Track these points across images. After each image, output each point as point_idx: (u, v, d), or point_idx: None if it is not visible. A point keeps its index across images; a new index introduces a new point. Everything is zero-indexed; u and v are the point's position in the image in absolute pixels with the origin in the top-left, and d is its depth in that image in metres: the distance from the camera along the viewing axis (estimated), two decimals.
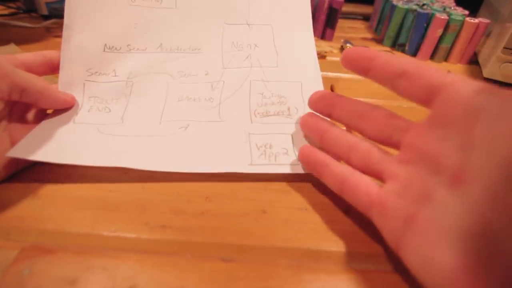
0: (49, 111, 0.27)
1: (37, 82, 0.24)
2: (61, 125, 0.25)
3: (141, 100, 0.28)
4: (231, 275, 0.18)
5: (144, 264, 0.18)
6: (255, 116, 0.28)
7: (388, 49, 0.51)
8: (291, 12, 0.35)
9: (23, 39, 0.44)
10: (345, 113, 0.23)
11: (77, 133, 0.25)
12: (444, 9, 0.48)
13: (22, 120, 0.25)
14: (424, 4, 0.49)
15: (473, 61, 0.48)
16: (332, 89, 0.37)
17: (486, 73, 0.43)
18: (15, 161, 0.23)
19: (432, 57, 0.48)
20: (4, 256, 0.18)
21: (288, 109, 0.29)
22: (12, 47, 0.41)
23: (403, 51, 0.50)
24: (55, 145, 0.23)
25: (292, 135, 0.27)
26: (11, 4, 0.55)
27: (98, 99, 0.28)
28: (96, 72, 0.29)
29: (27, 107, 0.25)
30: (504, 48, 0.40)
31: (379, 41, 0.54)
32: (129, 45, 0.30)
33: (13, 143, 0.23)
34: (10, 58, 0.24)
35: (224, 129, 0.27)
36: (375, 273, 0.19)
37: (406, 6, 0.48)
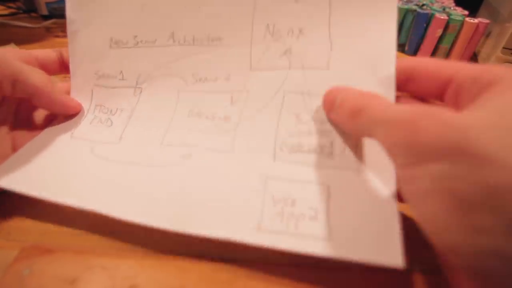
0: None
1: (34, 74, 0.22)
2: (58, 139, 0.23)
3: (146, 114, 0.25)
4: (231, 275, 0.18)
5: (144, 264, 0.18)
6: (281, 150, 0.20)
7: None
8: None
9: (23, 39, 0.44)
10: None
11: (69, 153, 0.23)
12: (444, 9, 0.48)
13: (28, 124, 0.24)
14: (423, 4, 0.49)
15: (473, 61, 0.48)
16: None
17: None
18: None
19: (431, 57, 0.48)
20: (4, 256, 0.18)
21: (332, 144, 0.20)
22: (12, 47, 0.41)
23: (402, 51, 0.50)
24: (37, 171, 0.21)
25: (328, 188, 0.18)
26: (11, 4, 0.55)
27: (104, 108, 0.25)
28: (104, 74, 0.26)
29: (33, 110, 0.25)
30: (504, 48, 0.40)
31: None
32: (136, 36, 0.26)
33: (14, 147, 0.22)
34: (25, 54, 0.24)
35: (235, 166, 0.20)
36: (376, 273, 0.19)
37: (405, 6, 0.48)
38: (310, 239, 0.16)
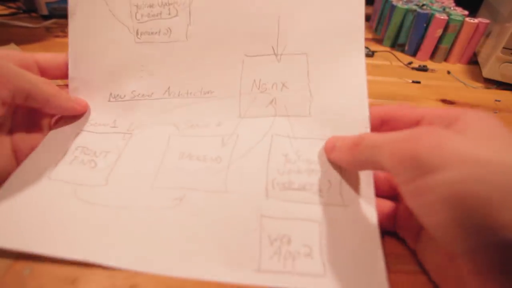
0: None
1: (44, 87, 0.22)
2: (33, 181, 0.21)
3: (134, 156, 0.24)
4: None
5: None
6: (273, 188, 0.21)
7: (388, 49, 0.51)
8: (336, 32, 0.26)
9: (23, 39, 0.44)
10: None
11: (49, 198, 0.21)
12: (444, 9, 0.48)
13: (27, 125, 0.24)
14: (423, 4, 0.49)
15: (473, 61, 0.48)
16: None
17: (485, 73, 0.43)
18: (15, 168, 0.22)
19: (431, 57, 0.48)
20: (5, 256, 0.18)
21: (319, 181, 0.21)
22: (12, 47, 0.41)
23: (402, 51, 0.50)
24: (18, 221, 0.19)
25: (319, 224, 0.19)
26: (11, 4, 0.55)
27: (86, 149, 0.24)
28: (96, 123, 0.26)
29: (33, 110, 0.24)
30: (504, 48, 0.40)
31: (379, 41, 0.54)
32: (134, 91, 0.27)
33: (14, 148, 0.22)
34: (25, 56, 0.24)
35: (229, 206, 0.20)
36: None
37: (405, 6, 0.48)
38: (307, 277, 0.17)
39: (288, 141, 0.24)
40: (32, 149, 0.23)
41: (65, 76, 0.26)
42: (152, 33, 0.27)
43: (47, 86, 0.22)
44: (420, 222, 0.15)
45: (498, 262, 0.13)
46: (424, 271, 0.18)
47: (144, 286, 0.17)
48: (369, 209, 0.20)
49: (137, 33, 0.27)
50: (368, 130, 0.22)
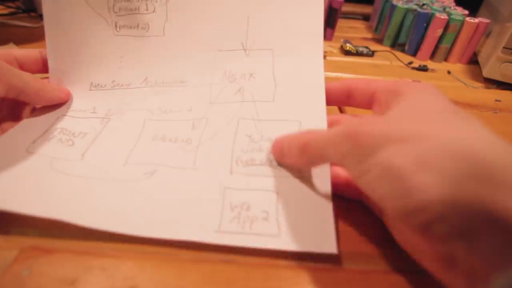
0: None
1: (35, 83, 0.24)
2: (11, 153, 0.22)
3: (111, 137, 0.25)
4: (231, 276, 0.18)
5: (144, 265, 0.18)
6: (237, 164, 0.23)
7: (388, 48, 0.51)
8: (298, 31, 0.29)
9: (22, 38, 0.44)
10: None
11: (24, 166, 0.22)
12: (444, 9, 0.48)
13: (13, 116, 0.25)
14: (424, 4, 0.49)
15: (473, 61, 0.48)
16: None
17: (486, 73, 0.43)
18: None
19: (432, 57, 0.48)
20: (4, 256, 0.18)
21: None
22: (11, 47, 0.41)
23: (402, 51, 0.50)
24: None
25: (277, 194, 0.21)
26: (10, 4, 0.55)
27: (66, 131, 0.25)
28: (76, 109, 0.27)
29: (17, 103, 0.26)
30: (504, 48, 0.40)
31: (379, 41, 0.54)
32: (113, 81, 0.29)
33: None
34: (4, 53, 0.25)
35: (196, 180, 0.22)
36: (375, 273, 0.19)
37: (406, 6, 0.48)
38: (263, 236, 0.19)
39: (253, 123, 0.26)
40: None
41: (41, 70, 0.27)
42: (130, 27, 0.29)
43: (36, 82, 0.24)
44: (372, 202, 0.18)
45: (419, 224, 0.15)
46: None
47: (143, 287, 0.17)
48: (323, 177, 0.21)
49: (115, 26, 0.29)
50: (324, 113, 0.25)
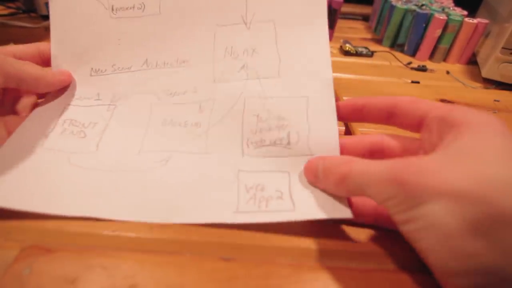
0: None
1: (32, 68, 0.24)
2: (29, 150, 0.23)
3: (121, 125, 0.26)
4: (231, 274, 0.18)
5: (144, 263, 0.18)
6: (248, 146, 0.24)
7: (387, 49, 0.51)
8: (300, 2, 0.28)
9: (23, 39, 0.43)
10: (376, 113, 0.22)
11: (44, 164, 0.22)
12: (443, 9, 0.48)
13: (15, 107, 0.25)
14: (423, 5, 0.49)
15: (472, 61, 0.48)
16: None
17: (484, 73, 0.43)
18: None
19: (431, 57, 0.48)
20: (5, 256, 0.18)
21: (288, 136, 0.23)
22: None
23: (402, 51, 0.50)
24: (17, 184, 0.21)
25: (289, 173, 0.22)
26: (11, 4, 0.55)
27: (75, 122, 0.25)
28: (80, 97, 0.27)
29: (18, 95, 0.26)
30: (503, 48, 0.40)
31: (378, 41, 0.54)
32: (114, 65, 0.28)
33: (8, 130, 0.23)
34: (3, 49, 0.25)
35: (210, 165, 0.23)
36: (376, 272, 0.19)
37: (405, 7, 0.48)
38: (279, 212, 0.20)
39: (259, 101, 0.25)
40: None
41: (40, 64, 0.27)
42: (126, 8, 0.29)
43: (34, 68, 0.24)
44: (412, 246, 0.17)
45: (460, 285, 0.15)
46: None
47: (143, 286, 0.17)
48: (333, 152, 0.22)
49: (112, 9, 0.28)
50: (331, 89, 0.24)
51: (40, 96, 0.28)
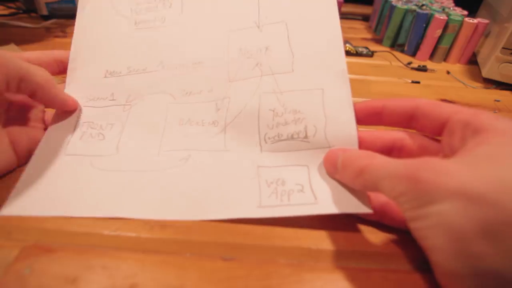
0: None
1: (38, 72, 0.23)
2: (53, 159, 0.24)
3: (138, 126, 0.26)
4: (231, 274, 0.18)
5: (144, 263, 0.18)
6: (265, 142, 0.24)
7: (387, 49, 0.51)
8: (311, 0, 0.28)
9: (23, 39, 0.44)
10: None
11: (68, 171, 0.23)
12: (443, 9, 0.48)
13: (21, 118, 0.25)
14: (423, 5, 0.49)
15: (472, 61, 0.48)
16: None
17: (485, 73, 0.43)
18: (15, 159, 0.23)
19: (431, 57, 0.48)
20: (5, 255, 0.18)
21: (305, 129, 0.24)
22: (12, 47, 0.41)
23: (402, 51, 0.50)
24: (46, 192, 0.22)
25: (308, 167, 0.22)
26: (11, 4, 0.55)
27: (93, 124, 0.26)
28: (94, 97, 0.27)
29: (25, 105, 0.25)
30: (503, 48, 0.40)
31: (379, 41, 0.54)
32: (129, 67, 0.29)
33: (11, 140, 0.23)
34: (15, 55, 0.24)
35: (230, 162, 0.23)
36: (376, 272, 0.19)
37: (405, 7, 0.48)
38: (302, 205, 0.20)
39: (274, 96, 0.25)
40: (29, 140, 0.24)
41: (57, 72, 0.27)
42: (148, 21, 0.30)
43: (41, 72, 0.23)
44: (419, 244, 0.17)
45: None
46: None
47: (144, 286, 0.17)
48: (352, 145, 0.22)
49: (135, 23, 0.30)
50: (347, 81, 0.24)
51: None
